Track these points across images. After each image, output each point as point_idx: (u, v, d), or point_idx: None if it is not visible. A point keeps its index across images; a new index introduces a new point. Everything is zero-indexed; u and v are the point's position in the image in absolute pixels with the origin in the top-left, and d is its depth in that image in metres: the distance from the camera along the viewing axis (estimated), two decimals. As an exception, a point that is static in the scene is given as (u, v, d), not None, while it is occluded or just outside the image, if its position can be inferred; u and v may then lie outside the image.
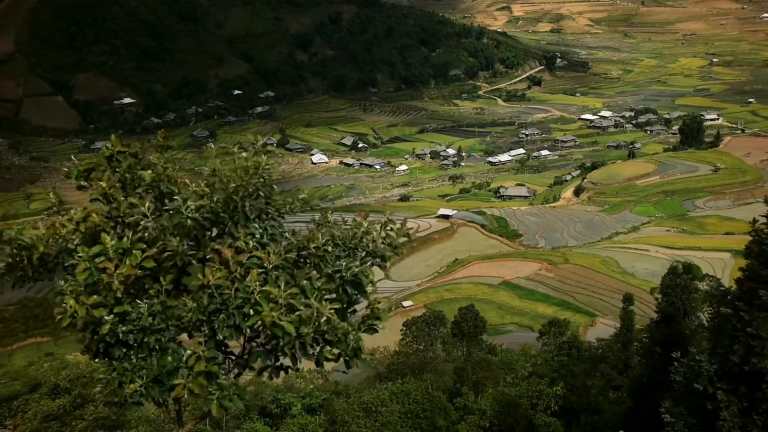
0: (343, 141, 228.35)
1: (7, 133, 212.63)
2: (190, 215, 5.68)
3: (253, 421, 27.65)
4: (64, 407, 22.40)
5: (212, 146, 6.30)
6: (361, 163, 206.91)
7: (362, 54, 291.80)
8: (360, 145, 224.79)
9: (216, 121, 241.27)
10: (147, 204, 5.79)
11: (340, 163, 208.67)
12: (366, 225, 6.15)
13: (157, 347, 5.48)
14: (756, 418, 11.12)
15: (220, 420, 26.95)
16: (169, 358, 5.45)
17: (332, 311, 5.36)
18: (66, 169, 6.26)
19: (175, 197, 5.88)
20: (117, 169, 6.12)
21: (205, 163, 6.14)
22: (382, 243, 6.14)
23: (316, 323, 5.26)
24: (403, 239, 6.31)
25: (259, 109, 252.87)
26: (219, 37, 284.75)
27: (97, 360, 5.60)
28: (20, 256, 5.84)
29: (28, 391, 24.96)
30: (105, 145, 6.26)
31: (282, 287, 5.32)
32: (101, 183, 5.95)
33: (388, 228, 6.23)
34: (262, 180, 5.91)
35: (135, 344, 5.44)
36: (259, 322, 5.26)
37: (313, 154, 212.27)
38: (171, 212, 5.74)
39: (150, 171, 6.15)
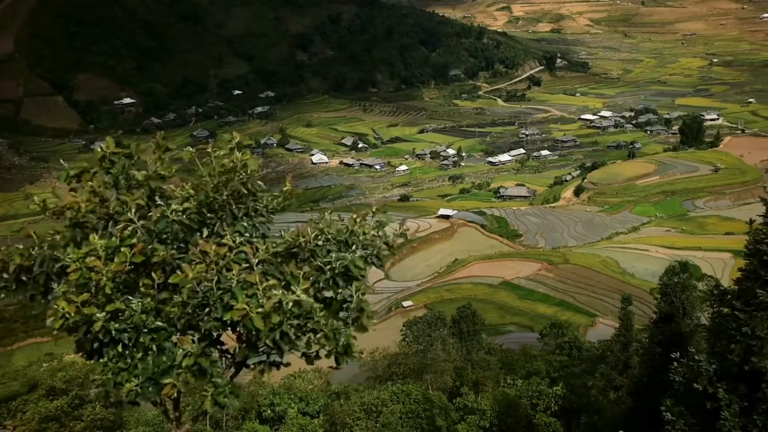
0: (343, 141, 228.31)
1: (7, 133, 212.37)
2: (175, 218, 5.63)
3: (252, 421, 27.63)
4: (62, 408, 22.40)
5: (191, 149, 6.24)
6: (361, 163, 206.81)
7: (362, 54, 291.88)
8: (360, 145, 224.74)
9: (216, 121, 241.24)
10: (137, 201, 5.74)
11: (340, 163, 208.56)
12: (359, 220, 6.11)
13: (152, 346, 5.41)
14: (756, 417, 11.10)
15: (220, 420, 26.96)
16: (164, 358, 5.37)
17: (302, 294, 5.23)
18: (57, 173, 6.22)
19: (159, 203, 5.82)
20: (110, 170, 6.08)
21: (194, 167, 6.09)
22: (375, 238, 6.07)
23: (286, 310, 5.14)
24: (399, 240, 6.25)
25: (259, 109, 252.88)
26: (219, 37, 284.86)
27: (91, 361, 5.55)
28: None
29: (26, 392, 24.98)
30: (99, 146, 6.19)
31: (258, 279, 5.21)
32: (90, 183, 5.90)
33: (381, 226, 6.18)
34: (242, 177, 5.83)
35: (130, 343, 5.38)
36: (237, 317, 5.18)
37: (313, 154, 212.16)
38: (157, 216, 5.67)
39: (143, 171, 6.09)
